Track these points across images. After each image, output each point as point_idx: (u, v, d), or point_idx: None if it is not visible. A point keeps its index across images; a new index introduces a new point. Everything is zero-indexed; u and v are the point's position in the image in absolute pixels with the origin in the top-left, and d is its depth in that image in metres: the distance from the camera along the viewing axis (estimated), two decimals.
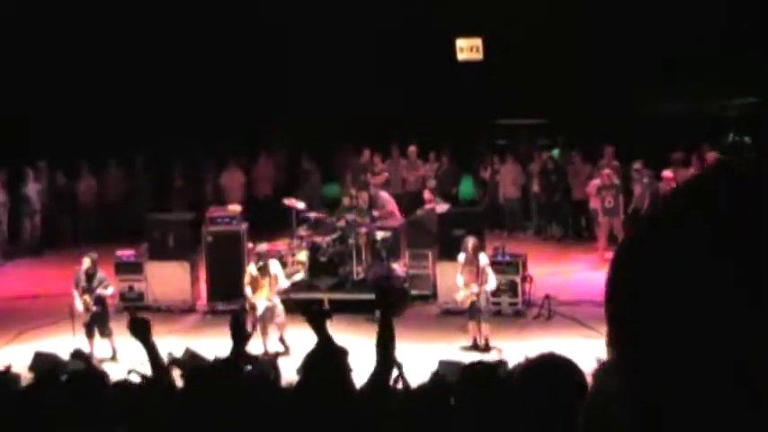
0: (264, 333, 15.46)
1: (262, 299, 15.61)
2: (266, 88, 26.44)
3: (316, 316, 6.57)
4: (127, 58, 25.54)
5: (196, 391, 6.27)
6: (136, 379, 9.28)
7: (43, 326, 16.91)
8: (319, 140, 25.80)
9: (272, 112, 26.47)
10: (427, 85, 26.46)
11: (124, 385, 7.84)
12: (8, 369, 10.82)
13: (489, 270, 15.83)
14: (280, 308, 15.64)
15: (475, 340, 15.62)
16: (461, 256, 15.82)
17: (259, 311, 15.48)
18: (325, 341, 6.05)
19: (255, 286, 15.74)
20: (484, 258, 15.95)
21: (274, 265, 16.01)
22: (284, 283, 16.08)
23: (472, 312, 15.64)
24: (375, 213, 19.36)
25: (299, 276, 17.95)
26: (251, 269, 15.98)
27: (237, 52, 26.40)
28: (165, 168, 25.48)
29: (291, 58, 26.58)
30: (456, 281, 15.90)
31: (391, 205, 20.68)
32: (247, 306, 15.79)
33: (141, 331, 7.56)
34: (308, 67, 26.34)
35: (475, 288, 15.53)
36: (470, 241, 15.80)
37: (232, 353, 6.60)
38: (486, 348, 15.35)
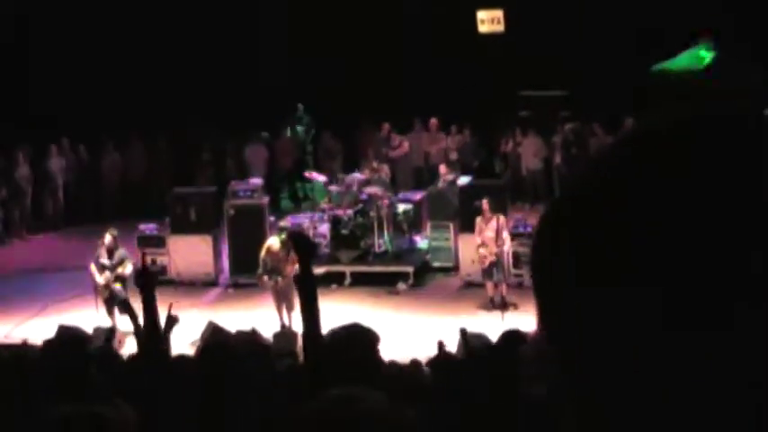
0: (280, 308, 15.33)
1: (276, 274, 15.43)
2: (286, 63, 26.39)
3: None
4: (149, 35, 25.55)
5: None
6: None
7: (67, 300, 17.02)
8: (341, 116, 25.74)
9: (291, 88, 26.39)
10: (449, 57, 26.35)
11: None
12: (25, 342, 10.89)
13: (506, 232, 16.41)
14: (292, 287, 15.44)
15: (492, 299, 16.13)
16: (479, 219, 16.44)
17: (278, 286, 15.34)
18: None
19: (275, 260, 15.60)
20: (501, 218, 16.50)
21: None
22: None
23: (489, 272, 16.16)
24: None
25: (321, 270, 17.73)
26: (272, 241, 15.90)
27: (256, 27, 26.37)
28: (188, 144, 25.50)
29: (310, 35, 26.50)
30: (475, 240, 16.49)
31: None
32: (259, 280, 15.68)
33: (170, 325, 7.49)
34: (328, 40, 26.26)
35: (494, 248, 16.08)
36: (484, 202, 16.46)
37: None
38: (504, 305, 15.39)
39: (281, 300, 15.32)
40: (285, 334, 14.48)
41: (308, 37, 26.52)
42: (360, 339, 5.70)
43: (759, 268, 0.86)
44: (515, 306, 15.62)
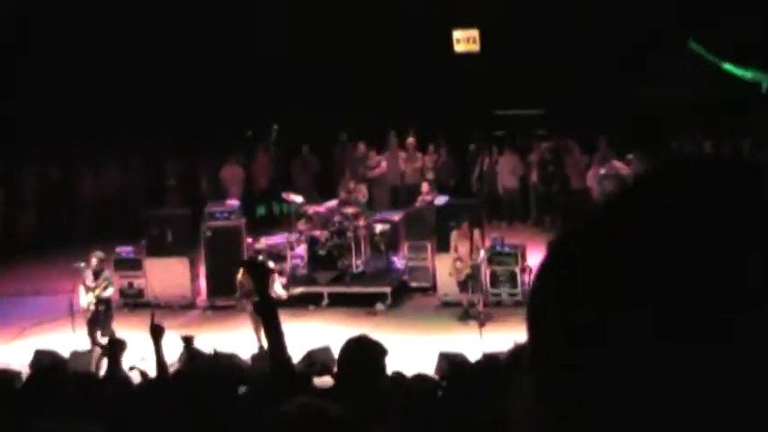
0: (257, 330, 15.14)
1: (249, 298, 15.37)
2: (262, 83, 26.38)
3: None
4: (122, 54, 25.51)
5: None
6: (136, 375, 9.31)
7: (44, 323, 16.93)
8: (317, 135, 25.77)
9: (268, 108, 26.40)
10: (424, 76, 26.41)
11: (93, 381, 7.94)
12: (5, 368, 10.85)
13: (479, 244, 16.87)
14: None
15: (467, 310, 16.54)
16: (454, 233, 16.85)
17: (248, 308, 15.24)
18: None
19: (244, 284, 15.51)
20: (477, 233, 16.90)
21: (271, 265, 15.79)
22: (279, 290, 15.70)
23: (465, 284, 16.64)
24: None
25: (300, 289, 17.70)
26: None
27: (231, 47, 26.35)
28: (161, 165, 25.47)
29: (286, 50, 26.53)
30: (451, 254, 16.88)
31: None
32: (237, 302, 15.62)
33: (157, 335, 8.14)
34: (302, 59, 26.29)
35: (469, 261, 16.55)
36: (466, 222, 16.95)
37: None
38: (481, 323, 15.41)
39: (259, 322, 15.21)
40: (263, 356, 14.41)
41: (281, 53, 26.56)
42: (369, 351, 5.73)
43: (757, 282, 0.89)
44: (488, 316, 15.78)
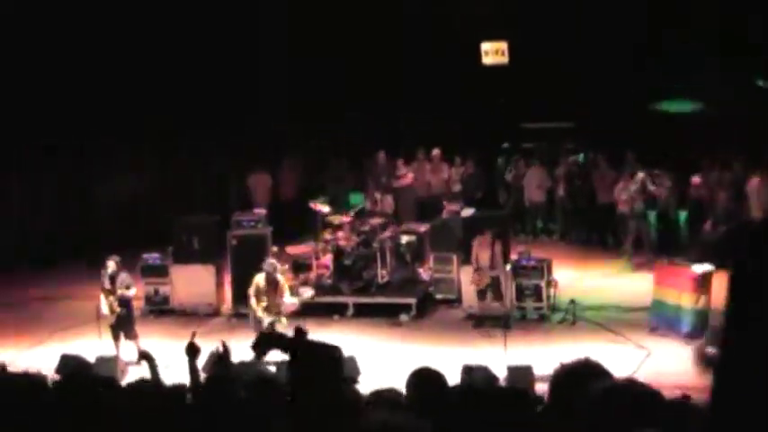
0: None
1: (266, 312, 15.34)
2: (291, 92, 26.45)
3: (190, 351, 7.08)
4: (152, 61, 25.62)
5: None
6: (144, 368, 9.32)
7: (71, 327, 17.02)
8: (345, 145, 25.84)
9: (296, 117, 26.47)
10: (453, 88, 26.43)
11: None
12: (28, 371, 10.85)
13: (499, 256, 16.75)
14: (284, 323, 15.23)
15: (481, 318, 16.69)
16: (476, 240, 16.84)
17: (266, 322, 15.23)
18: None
19: (260, 298, 15.54)
20: (498, 246, 16.78)
21: (281, 279, 15.76)
22: (289, 299, 15.72)
23: (483, 294, 16.73)
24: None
25: (309, 294, 17.66)
26: (258, 279, 15.74)
27: (261, 56, 26.44)
28: (189, 172, 25.58)
29: (315, 63, 26.59)
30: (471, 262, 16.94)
31: None
32: (251, 317, 15.58)
33: (193, 354, 8.23)
34: (332, 71, 26.34)
35: (490, 271, 16.56)
36: (489, 231, 16.88)
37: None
38: (505, 333, 15.31)
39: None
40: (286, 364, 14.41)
41: (311, 65, 26.61)
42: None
43: None
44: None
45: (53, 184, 24.38)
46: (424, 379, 5.87)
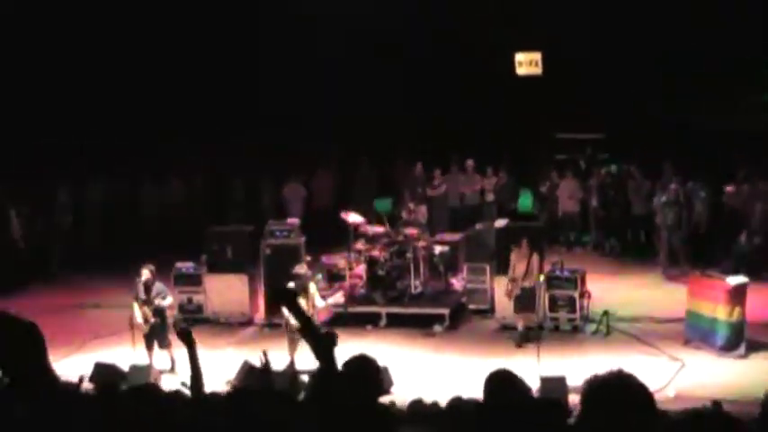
0: (293, 348, 14.93)
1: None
2: (326, 106, 26.51)
3: (284, 297, 6.58)
4: (186, 71, 25.78)
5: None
6: (186, 392, 9.34)
7: (105, 336, 17.10)
8: (378, 155, 25.87)
9: (330, 129, 26.55)
10: (487, 99, 26.42)
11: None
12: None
13: (536, 266, 16.55)
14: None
15: (525, 330, 16.27)
16: (515, 251, 16.72)
17: (294, 328, 15.01)
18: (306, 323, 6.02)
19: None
20: (536, 258, 16.62)
21: (312, 287, 15.67)
22: (320, 302, 15.52)
23: (517, 305, 16.56)
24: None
25: (338, 297, 17.59)
26: (289, 287, 15.60)
27: (295, 70, 26.54)
28: (223, 181, 25.70)
29: (351, 75, 26.64)
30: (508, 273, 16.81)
31: None
32: (285, 325, 15.50)
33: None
34: (368, 82, 26.39)
35: (526, 283, 16.33)
36: (524, 240, 16.70)
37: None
38: (537, 343, 15.23)
39: (298, 341, 14.95)
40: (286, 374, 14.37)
41: (346, 77, 26.67)
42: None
43: None
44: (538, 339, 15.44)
45: (95, 194, 24.55)
46: (503, 383, 5.80)
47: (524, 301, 16.48)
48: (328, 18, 25.59)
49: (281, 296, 6.77)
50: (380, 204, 24.57)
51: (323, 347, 5.81)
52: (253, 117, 26.00)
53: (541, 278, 16.42)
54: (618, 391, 3.55)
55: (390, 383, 13.71)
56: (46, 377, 5.20)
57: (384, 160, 26.23)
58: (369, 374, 5.79)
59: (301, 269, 15.77)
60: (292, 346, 14.85)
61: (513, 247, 16.94)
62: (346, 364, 5.69)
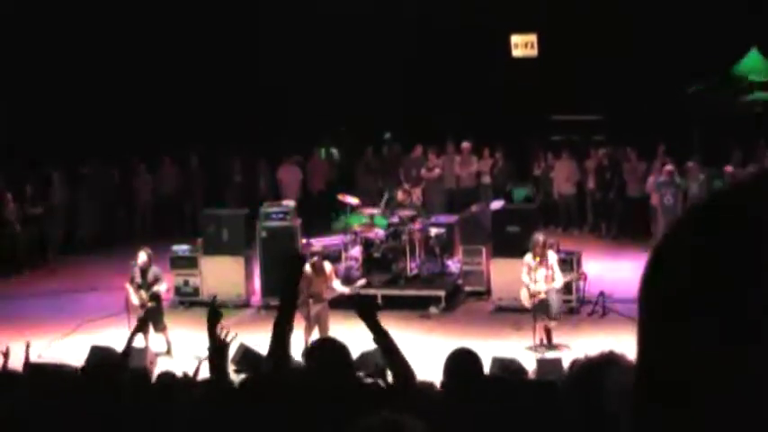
0: (309, 332, 14.81)
1: (313, 300, 15.11)
2: (321, 85, 26.49)
3: (366, 309, 6.54)
4: (182, 55, 25.73)
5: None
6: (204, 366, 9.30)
7: (101, 319, 17.10)
8: (375, 138, 25.83)
9: (327, 110, 26.52)
10: (482, 81, 26.39)
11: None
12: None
13: (557, 268, 15.27)
14: (327, 311, 15.08)
15: (541, 340, 15.09)
16: (528, 256, 15.16)
17: (313, 311, 14.92)
18: (378, 333, 6.05)
19: (309, 285, 15.21)
20: (553, 256, 15.42)
21: (328, 266, 15.64)
22: (340, 287, 15.48)
23: (538, 312, 15.08)
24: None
25: (361, 282, 17.26)
26: (306, 268, 15.52)
27: (291, 50, 26.49)
28: (220, 165, 25.66)
29: (346, 55, 26.60)
30: (522, 279, 15.21)
31: None
32: (301, 300, 15.45)
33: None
34: (363, 63, 26.36)
35: (544, 286, 15.00)
36: (540, 238, 15.21)
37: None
38: (550, 345, 15.13)
39: (315, 324, 14.93)
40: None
41: (340, 58, 26.64)
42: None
43: None
44: (562, 347, 15.19)
45: (91, 179, 24.52)
46: (462, 361, 5.86)
47: (543, 308, 15.15)
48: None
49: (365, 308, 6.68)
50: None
51: (367, 312, 5.87)
52: (250, 94, 25.95)
53: (558, 278, 15.28)
54: (602, 371, 3.54)
55: (382, 365, 13.61)
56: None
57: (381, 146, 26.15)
58: (336, 357, 5.82)
59: (319, 248, 15.72)
60: (309, 332, 14.70)
61: (514, 241, 16.43)
62: (310, 350, 5.73)
